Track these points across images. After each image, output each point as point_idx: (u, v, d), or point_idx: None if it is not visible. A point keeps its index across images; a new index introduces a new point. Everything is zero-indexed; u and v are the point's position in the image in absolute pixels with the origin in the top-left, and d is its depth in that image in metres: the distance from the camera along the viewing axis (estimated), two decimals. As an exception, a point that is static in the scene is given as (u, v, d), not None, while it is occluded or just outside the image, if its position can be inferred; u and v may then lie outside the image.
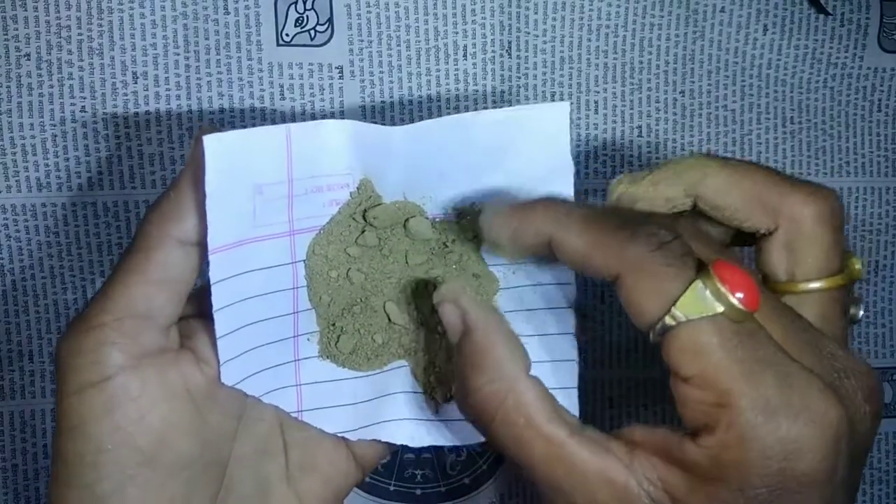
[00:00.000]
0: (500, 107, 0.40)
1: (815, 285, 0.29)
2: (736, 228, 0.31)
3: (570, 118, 0.33)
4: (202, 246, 0.28)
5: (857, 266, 0.31)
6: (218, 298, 0.28)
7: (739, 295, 0.25)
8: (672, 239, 0.26)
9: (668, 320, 0.25)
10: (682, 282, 0.25)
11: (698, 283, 0.25)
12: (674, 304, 0.25)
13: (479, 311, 0.29)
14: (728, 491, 0.24)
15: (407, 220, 0.32)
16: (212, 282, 0.28)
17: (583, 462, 0.26)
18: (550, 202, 0.29)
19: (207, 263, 0.28)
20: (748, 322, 0.25)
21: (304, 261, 0.31)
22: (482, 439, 0.33)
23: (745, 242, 0.32)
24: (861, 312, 0.32)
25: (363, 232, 0.32)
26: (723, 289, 0.24)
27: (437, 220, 0.33)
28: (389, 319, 0.32)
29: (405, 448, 0.41)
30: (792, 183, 0.30)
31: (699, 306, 0.25)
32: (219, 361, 0.29)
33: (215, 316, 0.29)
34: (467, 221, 0.33)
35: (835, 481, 0.25)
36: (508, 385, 0.27)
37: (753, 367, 0.24)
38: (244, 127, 0.35)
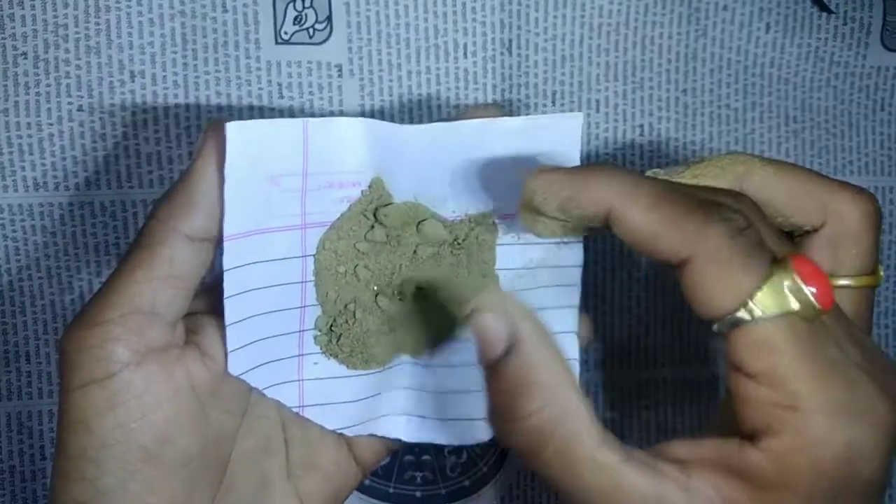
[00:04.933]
0: (502, 106, 0.40)
1: (852, 282, 0.29)
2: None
3: None
4: (210, 241, 0.28)
5: (881, 273, 0.31)
6: (230, 286, 0.28)
7: (814, 290, 0.24)
8: (747, 227, 0.24)
9: (743, 314, 0.24)
10: (759, 275, 0.24)
11: (777, 279, 0.24)
12: (750, 297, 0.24)
13: (530, 323, 0.26)
14: (795, 497, 0.24)
15: (420, 222, 0.32)
16: (225, 268, 0.28)
17: (638, 489, 0.24)
18: (613, 169, 0.26)
19: (221, 252, 0.28)
20: (817, 321, 0.24)
21: (313, 255, 0.31)
22: (479, 440, 0.33)
23: None
24: None
25: (373, 227, 0.32)
26: (802, 285, 0.24)
27: (447, 222, 0.33)
28: (389, 314, 0.32)
29: (405, 450, 0.41)
30: (838, 182, 0.30)
31: (777, 302, 0.24)
32: (227, 350, 0.29)
33: (226, 303, 0.28)
34: (477, 224, 0.33)
35: (886, 480, 0.24)
36: (562, 411, 0.25)
37: (823, 369, 0.24)
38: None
